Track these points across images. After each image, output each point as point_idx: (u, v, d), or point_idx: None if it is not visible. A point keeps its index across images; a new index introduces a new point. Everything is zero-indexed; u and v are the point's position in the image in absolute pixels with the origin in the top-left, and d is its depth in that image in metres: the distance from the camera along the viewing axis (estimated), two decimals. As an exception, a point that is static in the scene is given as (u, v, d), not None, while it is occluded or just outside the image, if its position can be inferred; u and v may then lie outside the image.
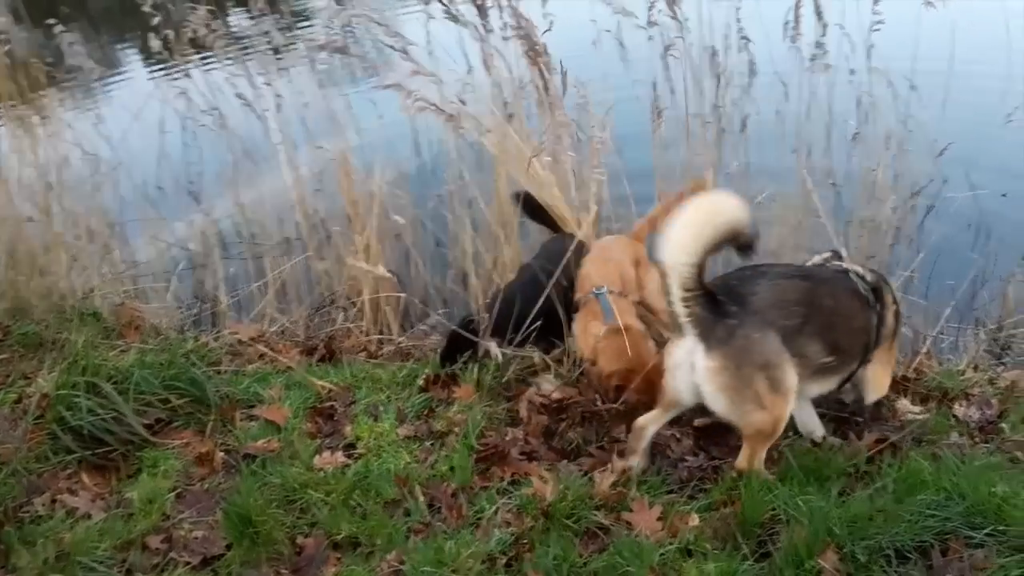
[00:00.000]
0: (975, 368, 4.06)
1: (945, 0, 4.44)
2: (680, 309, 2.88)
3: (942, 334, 4.44)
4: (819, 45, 4.78)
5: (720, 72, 4.72)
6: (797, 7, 4.68)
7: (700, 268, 2.85)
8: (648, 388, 3.49)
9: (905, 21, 4.79)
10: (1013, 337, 4.67)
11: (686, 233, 2.81)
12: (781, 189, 5.11)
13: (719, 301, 2.91)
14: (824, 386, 3.24)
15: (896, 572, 2.62)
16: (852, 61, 4.92)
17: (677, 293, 2.85)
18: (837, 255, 3.49)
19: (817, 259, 3.48)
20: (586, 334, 3.77)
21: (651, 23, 4.77)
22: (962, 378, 3.85)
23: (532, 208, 4.67)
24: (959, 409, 3.56)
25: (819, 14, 4.67)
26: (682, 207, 2.88)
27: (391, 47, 4.47)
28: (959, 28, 4.97)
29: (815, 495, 2.92)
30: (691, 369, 2.94)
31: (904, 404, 3.62)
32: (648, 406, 3.41)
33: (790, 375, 2.94)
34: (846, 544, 2.67)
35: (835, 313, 3.12)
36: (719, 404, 2.96)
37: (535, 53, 4.47)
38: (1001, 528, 2.66)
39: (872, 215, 4.94)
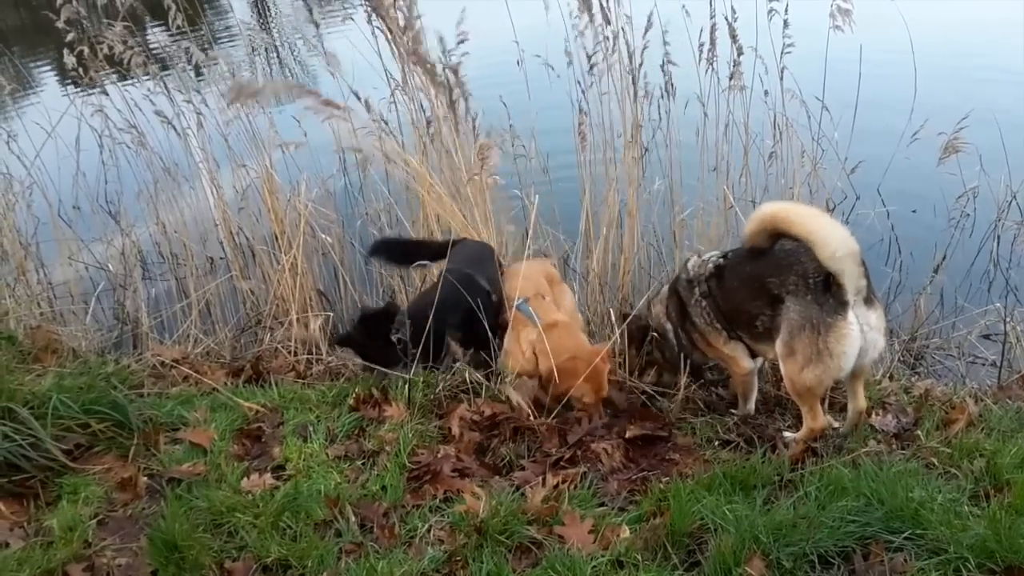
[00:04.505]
0: (890, 378, 4.21)
1: (852, 24, 4.61)
2: (862, 283, 3.25)
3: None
4: (734, 66, 4.91)
5: (644, 92, 4.81)
6: (712, 31, 4.80)
7: None
8: (594, 375, 3.73)
9: (815, 44, 4.97)
10: (926, 348, 4.86)
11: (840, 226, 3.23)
12: (702, 206, 5.24)
13: None
14: None
15: (820, 577, 2.70)
16: (766, 83, 5.08)
17: (859, 271, 3.23)
18: (699, 252, 4.03)
19: (696, 260, 3.89)
20: (518, 343, 3.90)
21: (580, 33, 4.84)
22: (878, 388, 3.98)
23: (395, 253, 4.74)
24: (876, 418, 3.68)
25: (733, 37, 4.80)
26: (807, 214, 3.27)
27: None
28: (866, 51, 5.17)
29: (741, 504, 3.00)
30: (864, 331, 3.30)
31: (827, 419, 3.73)
32: (595, 394, 3.72)
33: None
34: (772, 551, 2.73)
35: None
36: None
37: (432, 75, 4.52)
38: (919, 532, 2.75)
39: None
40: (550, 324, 3.94)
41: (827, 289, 3.26)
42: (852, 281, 3.21)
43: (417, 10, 4.52)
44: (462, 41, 4.49)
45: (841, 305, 3.25)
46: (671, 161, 5.18)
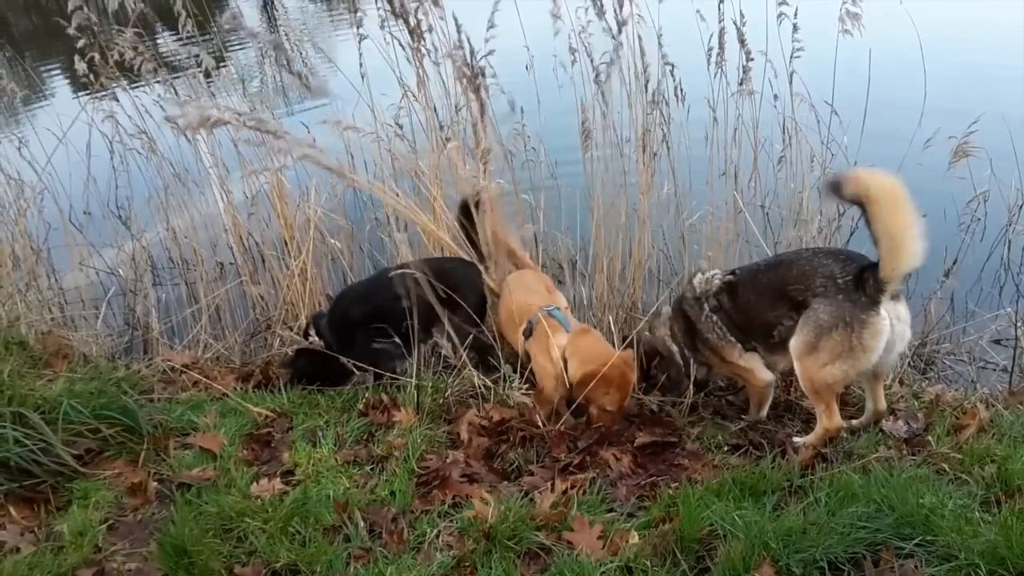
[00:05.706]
0: (901, 383, 4.20)
1: (862, 28, 4.59)
2: (899, 284, 3.34)
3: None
4: (744, 71, 4.89)
5: (651, 98, 4.80)
6: (721, 34, 4.79)
7: None
8: (622, 383, 3.70)
9: (825, 48, 4.96)
10: (936, 353, 4.84)
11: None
12: (711, 210, 5.22)
13: None
14: None
15: (830, 584, 2.68)
16: (776, 87, 5.07)
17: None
18: (700, 269, 4.08)
19: (700, 278, 3.92)
20: (549, 349, 3.86)
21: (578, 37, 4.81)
22: (889, 392, 3.97)
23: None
24: (887, 423, 3.67)
25: (742, 41, 4.78)
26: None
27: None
28: (876, 54, 5.15)
29: (751, 510, 2.99)
30: (894, 325, 3.37)
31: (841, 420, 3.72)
32: (619, 403, 3.68)
33: None
34: (781, 557, 2.72)
35: None
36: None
37: (471, 76, 4.49)
38: (929, 538, 2.74)
39: (799, 236, 5.09)
40: (581, 331, 3.95)
41: (859, 287, 3.32)
42: (893, 287, 3.31)
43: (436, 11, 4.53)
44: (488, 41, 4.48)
45: (874, 301, 3.32)
46: (681, 164, 5.17)
